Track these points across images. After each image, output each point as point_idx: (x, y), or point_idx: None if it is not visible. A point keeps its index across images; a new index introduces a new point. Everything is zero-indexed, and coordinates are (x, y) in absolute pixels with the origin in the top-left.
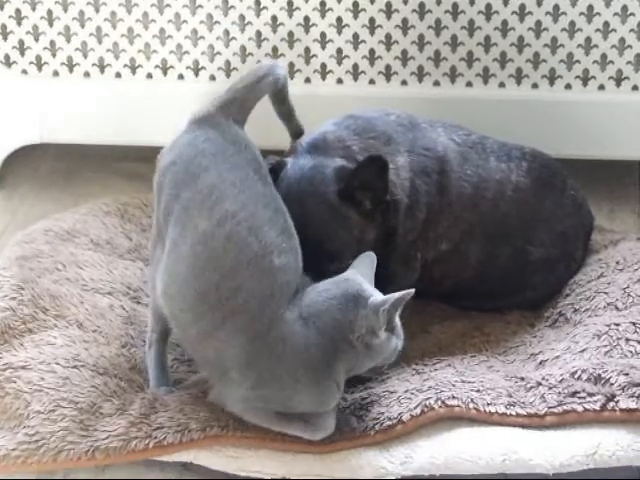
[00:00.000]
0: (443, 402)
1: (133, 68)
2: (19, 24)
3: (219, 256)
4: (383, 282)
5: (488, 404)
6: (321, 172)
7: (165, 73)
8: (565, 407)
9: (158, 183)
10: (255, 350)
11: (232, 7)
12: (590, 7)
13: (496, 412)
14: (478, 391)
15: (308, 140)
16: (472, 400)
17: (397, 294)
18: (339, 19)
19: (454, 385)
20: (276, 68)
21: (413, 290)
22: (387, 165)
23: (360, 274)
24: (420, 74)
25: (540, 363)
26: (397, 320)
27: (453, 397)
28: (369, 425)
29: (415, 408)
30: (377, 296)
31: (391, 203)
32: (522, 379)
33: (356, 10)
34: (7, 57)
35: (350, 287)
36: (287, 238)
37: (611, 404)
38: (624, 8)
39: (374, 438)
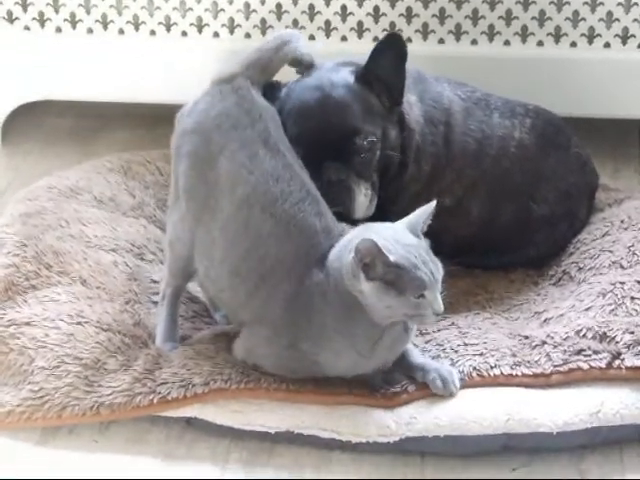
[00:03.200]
0: None
1: (136, 25)
2: None
3: (241, 235)
4: None
5: (492, 367)
6: (337, 70)
7: (168, 30)
8: (571, 365)
9: (176, 147)
10: (290, 309)
11: None
12: None
13: (501, 374)
14: (481, 354)
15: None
16: (475, 368)
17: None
18: None
19: (456, 352)
20: (298, 38)
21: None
22: (405, 49)
23: (405, 221)
24: (425, 32)
25: (544, 321)
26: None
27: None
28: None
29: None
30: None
31: (406, 120)
32: (526, 337)
33: None
34: (10, 13)
35: (355, 235)
36: (307, 203)
37: (617, 362)
38: None
39: (378, 401)
